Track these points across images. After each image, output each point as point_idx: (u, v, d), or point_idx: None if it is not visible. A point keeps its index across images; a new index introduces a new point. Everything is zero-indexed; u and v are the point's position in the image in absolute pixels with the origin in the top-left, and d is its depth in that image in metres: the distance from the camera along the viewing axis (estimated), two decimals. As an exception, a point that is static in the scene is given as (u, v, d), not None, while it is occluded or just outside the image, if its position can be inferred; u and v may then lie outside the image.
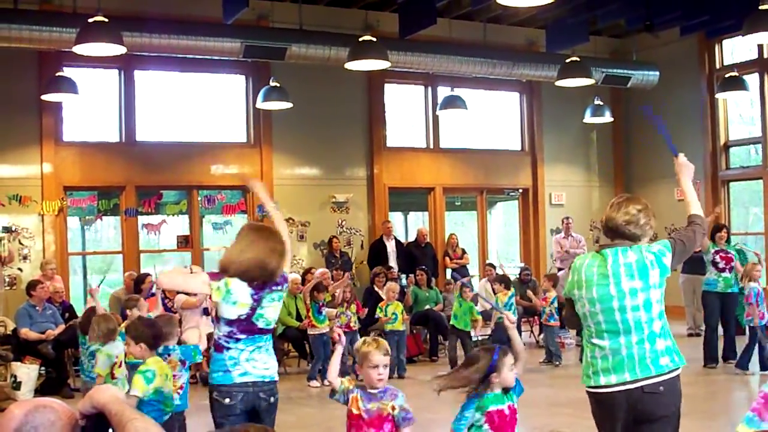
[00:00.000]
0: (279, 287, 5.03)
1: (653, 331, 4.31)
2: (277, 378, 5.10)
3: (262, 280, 4.92)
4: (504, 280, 12.17)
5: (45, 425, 2.36)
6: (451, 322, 11.77)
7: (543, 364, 11.95)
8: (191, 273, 5.49)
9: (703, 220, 4.52)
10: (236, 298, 4.91)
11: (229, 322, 4.94)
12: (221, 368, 4.95)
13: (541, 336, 13.18)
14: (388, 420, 4.64)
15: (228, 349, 4.95)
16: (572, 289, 4.52)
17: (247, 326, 4.95)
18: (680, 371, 4.36)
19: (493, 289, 13.53)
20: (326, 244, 14.88)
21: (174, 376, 6.16)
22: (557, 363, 11.93)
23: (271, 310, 5.01)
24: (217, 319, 5.06)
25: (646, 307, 4.30)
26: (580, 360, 11.86)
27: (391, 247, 14.79)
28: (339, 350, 5.03)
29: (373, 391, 4.69)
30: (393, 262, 14.54)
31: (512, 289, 12.28)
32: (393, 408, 4.64)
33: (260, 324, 4.98)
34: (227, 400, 4.92)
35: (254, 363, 4.97)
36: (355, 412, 4.66)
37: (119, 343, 6.85)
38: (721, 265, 11.22)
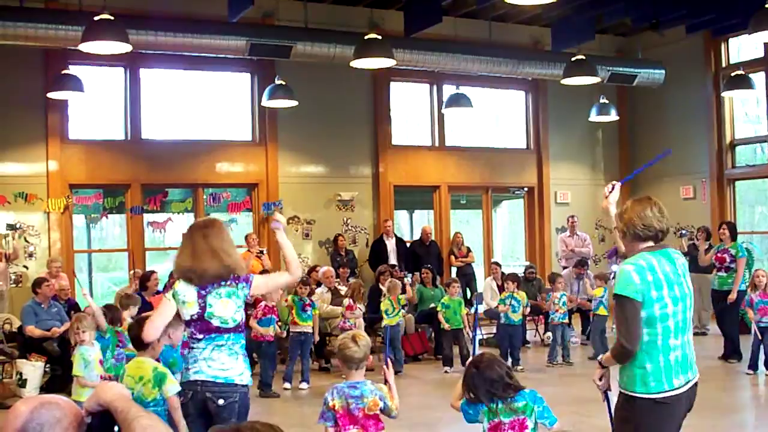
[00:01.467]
0: (228, 283, 4.94)
1: (689, 338, 4.47)
2: (238, 381, 4.90)
3: (198, 280, 4.91)
4: (515, 278, 12.16)
5: (50, 422, 2.35)
6: (441, 326, 11.74)
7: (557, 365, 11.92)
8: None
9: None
10: (184, 298, 4.97)
11: (187, 323, 5.01)
12: (186, 366, 5.02)
13: (547, 335, 13.16)
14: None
15: (192, 348, 4.99)
16: (648, 290, 4.28)
17: (203, 325, 4.93)
18: None
19: (500, 287, 13.55)
20: (332, 242, 14.89)
21: None
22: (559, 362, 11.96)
23: (222, 308, 4.91)
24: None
25: (691, 307, 4.45)
26: (595, 358, 11.95)
27: (391, 245, 14.77)
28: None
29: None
30: (394, 260, 14.52)
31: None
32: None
33: (215, 322, 4.92)
34: (182, 399, 4.99)
35: (211, 362, 4.91)
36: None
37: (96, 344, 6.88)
38: (717, 265, 11.68)
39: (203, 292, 4.90)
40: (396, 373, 11.16)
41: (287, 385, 10.58)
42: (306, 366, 10.86)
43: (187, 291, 4.93)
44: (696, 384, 4.41)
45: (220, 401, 4.83)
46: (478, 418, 4.53)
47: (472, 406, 4.54)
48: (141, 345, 5.63)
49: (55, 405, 2.41)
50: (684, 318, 4.36)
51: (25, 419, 2.34)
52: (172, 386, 5.32)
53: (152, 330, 5.09)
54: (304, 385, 10.56)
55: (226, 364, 4.90)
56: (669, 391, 4.28)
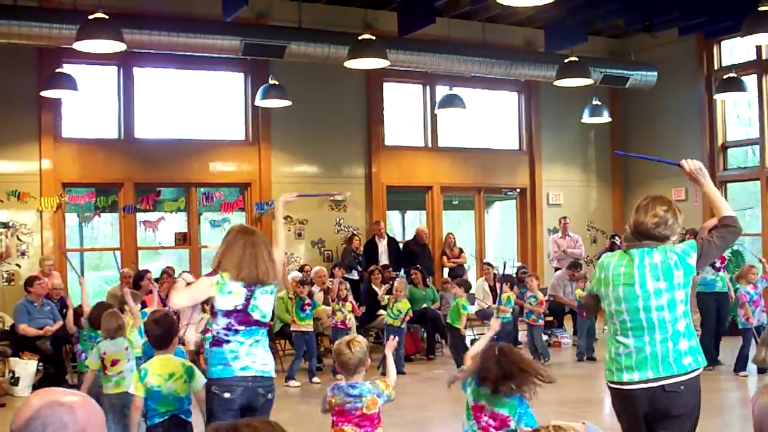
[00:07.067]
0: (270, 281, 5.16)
1: (677, 330, 4.41)
2: (274, 375, 5.15)
3: (251, 282, 5.06)
4: (510, 280, 12.27)
5: (55, 425, 2.13)
6: (448, 321, 11.81)
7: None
8: (188, 283, 5.42)
9: (735, 220, 4.52)
10: (231, 288, 5.02)
11: (227, 313, 5.03)
12: (221, 362, 5.00)
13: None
14: None
15: (228, 342, 5.01)
16: (599, 286, 4.62)
17: (243, 317, 5.01)
18: (701, 371, 4.50)
19: (491, 288, 13.61)
20: (346, 240, 14.87)
21: None
22: (545, 361, 11.87)
23: (264, 302, 5.10)
24: (213, 314, 5.11)
25: (670, 306, 4.40)
26: (579, 359, 12.03)
27: (382, 246, 14.77)
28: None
29: None
30: (386, 260, 14.52)
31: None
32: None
33: (255, 316, 5.05)
34: (227, 395, 4.95)
35: (254, 357, 5.00)
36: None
37: (121, 340, 6.86)
38: (717, 264, 11.29)
39: (251, 286, 5.05)
40: (398, 373, 11.33)
41: (293, 383, 10.78)
42: (313, 364, 11.19)
43: (233, 283, 5.03)
44: (666, 389, 4.38)
45: (270, 395, 5.04)
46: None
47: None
48: (163, 344, 5.65)
49: (67, 407, 2.16)
50: (636, 318, 4.42)
51: (31, 415, 2.14)
52: (201, 380, 5.41)
53: (181, 299, 5.20)
54: (316, 380, 11.02)
55: (265, 359, 5.07)
56: (617, 383, 4.48)
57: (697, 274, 4.53)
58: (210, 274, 5.08)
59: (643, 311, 4.39)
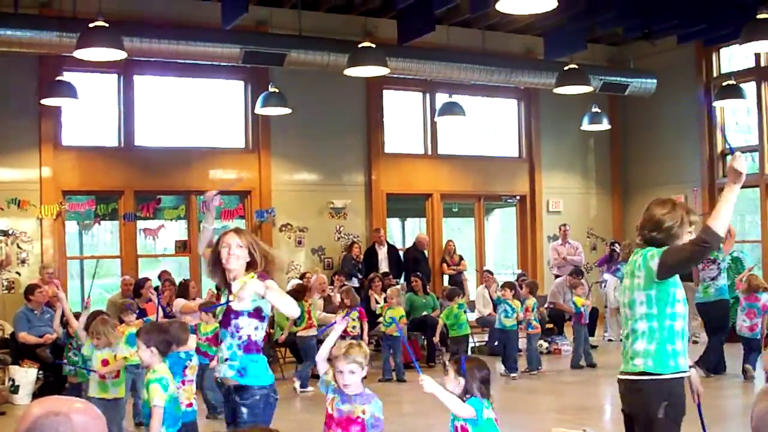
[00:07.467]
0: None
1: (634, 329, 4.47)
2: None
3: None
4: (512, 286, 12.21)
5: None
6: (451, 334, 11.77)
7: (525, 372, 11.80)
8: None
9: (709, 233, 4.30)
10: None
11: (270, 320, 5.10)
12: (266, 368, 5.03)
13: (539, 343, 13.18)
14: (356, 423, 4.71)
15: (262, 348, 5.04)
16: None
17: None
18: (658, 379, 4.37)
19: (491, 296, 13.59)
20: (348, 246, 14.88)
21: (190, 381, 6.23)
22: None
23: None
24: (261, 318, 4.97)
25: (630, 305, 4.50)
26: (572, 366, 12.00)
27: (382, 254, 14.79)
28: (335, 334, 5.08)
29: (348, 393, 4.78)
30: (386, 268, 14.54)
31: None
32: (363, 412, 4.72)
33: None
34: (276, 396, 5.08)
35: None
36: (329, 411, 4.80)
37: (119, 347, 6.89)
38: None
39: None
40: (398, 380, 11.32)
41: (299, 386, 10.68)
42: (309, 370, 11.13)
43: None
44: (625, 386, 4.48)
45: None
46: (482, 413, 4.68)
47: (475, 401, 4.70)
48: (169, 352, 5.65)
49: (63, 416, 2.12)
50: (624, 313, 4.57)
51: (28, 427, 2.12)
52: None
53: (296, 308, 5.06)
54: (310, 388, 10.80)
55: None
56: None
57: (698, 278, 4.60)
58: (263, 276, 4.88)
59: (625, 308, 4.57)
